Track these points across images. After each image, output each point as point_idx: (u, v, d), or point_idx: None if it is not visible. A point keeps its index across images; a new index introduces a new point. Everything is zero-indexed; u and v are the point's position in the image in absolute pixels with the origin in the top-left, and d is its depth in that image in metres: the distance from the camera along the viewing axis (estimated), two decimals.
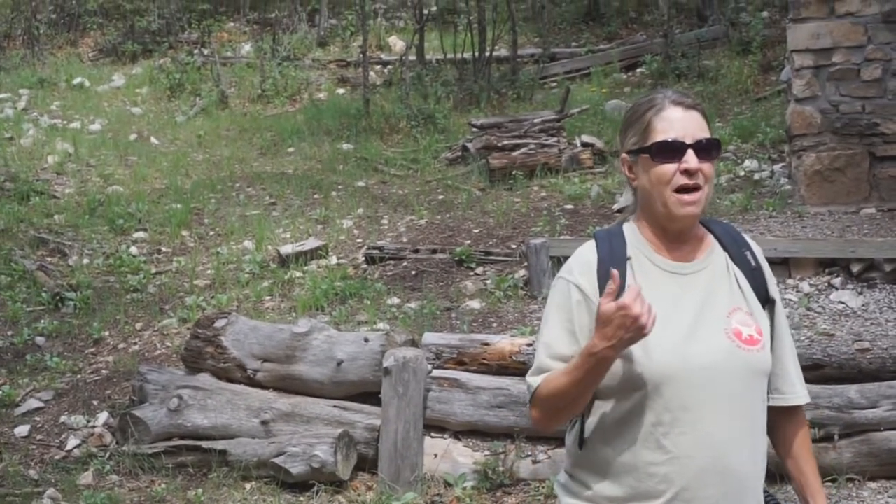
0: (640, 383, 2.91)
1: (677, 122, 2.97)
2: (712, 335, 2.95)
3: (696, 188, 2.95)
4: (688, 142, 2.95)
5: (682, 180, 2.94)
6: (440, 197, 12.40)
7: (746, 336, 2.98)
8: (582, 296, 3.00)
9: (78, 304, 9.76)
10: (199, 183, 13.43)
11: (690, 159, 2.94)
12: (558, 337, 3.01)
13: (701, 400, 2.90)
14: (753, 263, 3.12)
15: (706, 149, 2.97)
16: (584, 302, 2.99)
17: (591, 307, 2.96)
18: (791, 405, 3.17)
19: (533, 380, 3.02)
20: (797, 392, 3.17)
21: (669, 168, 2.94)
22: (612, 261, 2.99)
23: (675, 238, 3.05)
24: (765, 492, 3.15)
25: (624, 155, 3.08)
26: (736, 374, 2.94)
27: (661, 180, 2.95)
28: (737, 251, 3.12)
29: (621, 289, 2.90)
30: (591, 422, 3.02)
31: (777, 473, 3.36)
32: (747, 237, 3.21)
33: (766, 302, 3.11)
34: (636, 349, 2.89)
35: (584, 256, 3.06)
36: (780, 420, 3.18)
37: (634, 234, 3.08)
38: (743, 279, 3.08)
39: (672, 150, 2.95)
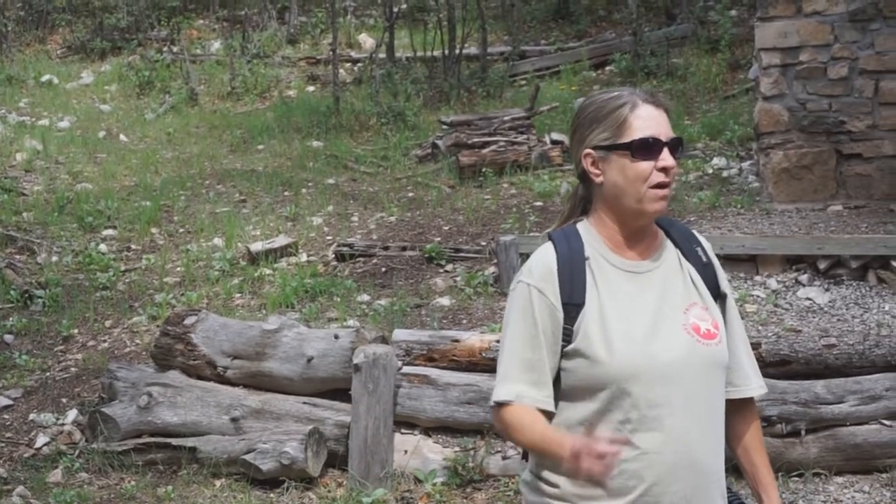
0: (605, 383, 2.93)
1: (652, 120, 3.00)
2: (672, 331, 2.97)
3: (668, 185, 2.99)
4: (664, 140, 2.99)
5: (660, 178, 2.97)
6: (410, 194, 12.42)
7: (704, 330, 3.01)
8: (543, 299, 3.00)
9: (47, 302, 9.73)
10: (168, 180, 13.40)
11: (667, 158, 2.98)
12: (521, 342, 3.02)
13: (667, 396, 2.92)
14: (704, 259, 3.15)
15: (675, 146, 3.00)
16: (545, 305, 3.00)
17: (553, 310, 2.99)
18: (744, 397, 3.20)
19: (500, 393, 3.02)
20: (751, 384, 3.20)
21: (648, 165, 2.97)
22: (571, 261, 3.02)
23: (634, 235, 3.07)
24: (729, 490, 3.18)
25: (589, 150, 3.06)
26: (698, 369, 2.97)
27: (639, 177, 2.97)
28: (688, 247, 3.15)
29: (582, 287, 2.96)
30: (558, 422, 3.02)
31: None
32: (696, 233, 3.24)
33: (718, 296, 3.14)
34: (599, 348, 2.92)
35: (544, 258, 3.07)
36: (732, 412, 3.19)
37: (590, 234, 3.09)
38: (696, 275, 3.11)
39: (651, 148, 2.97)
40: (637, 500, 2.93)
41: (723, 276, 3.20)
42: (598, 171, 3.06)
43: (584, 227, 3.11)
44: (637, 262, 3.07)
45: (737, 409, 3.20)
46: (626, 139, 2.98)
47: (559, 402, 3.02)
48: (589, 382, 2.96)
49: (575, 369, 2.98)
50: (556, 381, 3.02)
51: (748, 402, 3.22)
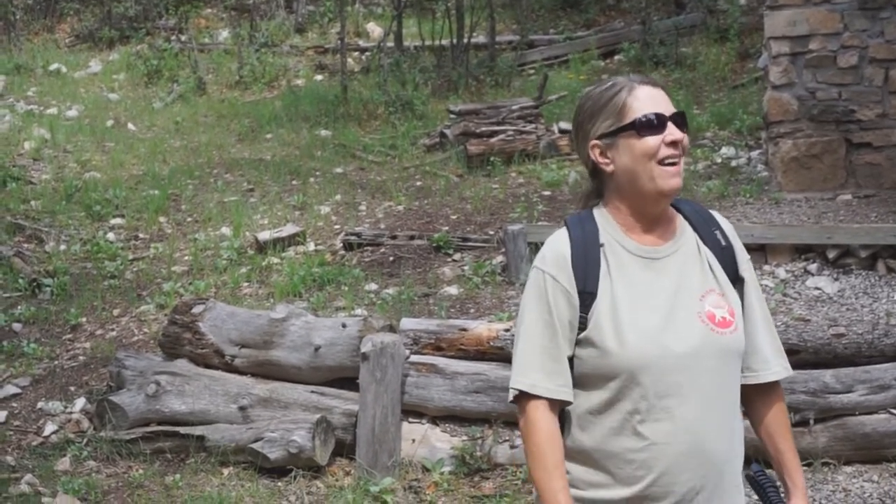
0: (615, 373, 2.92)
1: (651, 99, 2.99)
2: (686, 320, 2.95)
3: (678, 160, 2.98)
4: (667, 114, 2.97)
5: (668, 151, 2.96)
6: (418, 183, 12.40)
7: (720, 319, 2.98)
8: (557, 285, 2.99)
9: (55, 291, 9.73)
10: (176, 169, 13.39)
11: (674, 131, 2.97)
12: (537, 329, 3.01)
13: (677, 386, 2.91)
14: (724, 242, 3.12)
15: (680, 121, 2.99)
16: (559, 291, 2.99)
17: (569, 296, 2.98)
18: (764, 382, 3.15)
19: (516, 382, 3.02)
20: (771, 368, 3.15)
21: (655, 140, 2.95)
22: (586, 247, 3.00)
23: (651, 221, 3.05)
24: (756, 464, 3.17)
25: (595, 141, 3.04)
26: (711, 359, 2.94)
27: (647, 154, 2.95)
28: (706, 231, 3.12)
29: (596, 276, 2.95)
30: (569, 409, 3.02)
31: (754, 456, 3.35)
32: (717, 215, 3.21)
33: (737, 280, 3.11)
34: (610, 339, 2.91)
35: (558, 245, 3.06)
36: (754, 397, 3.18)
37: (606, 220, 3.07)
38: (713, 259, 3.08)
39: (655, 124, 2.96)
40: (646, 489, 2.92)
41: (744, 258, 3.16)
42: (607, 160, 3.04)
43: (600, 213, 3.09)
44: (653, 247, 3.04)
45: (758, 394, 3.18)
46: (629, 120, 2.98)
47: (572, 389, 3.01)
48: (599, 372, 2.95)
49: (586, 358, 2.97)
50: (570, 368, 3.01)
51: (771, 386, 3.18)
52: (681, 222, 3.12)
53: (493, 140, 12.89)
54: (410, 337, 7.06)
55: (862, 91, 9.99)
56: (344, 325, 7.10)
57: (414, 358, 6.95)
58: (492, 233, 10.09)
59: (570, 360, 3.01)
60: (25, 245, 10.85)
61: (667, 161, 2.96)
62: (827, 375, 6.39)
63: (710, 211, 3.22)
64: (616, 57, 18.01)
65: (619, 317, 2.93)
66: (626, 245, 3.03)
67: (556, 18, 20.95)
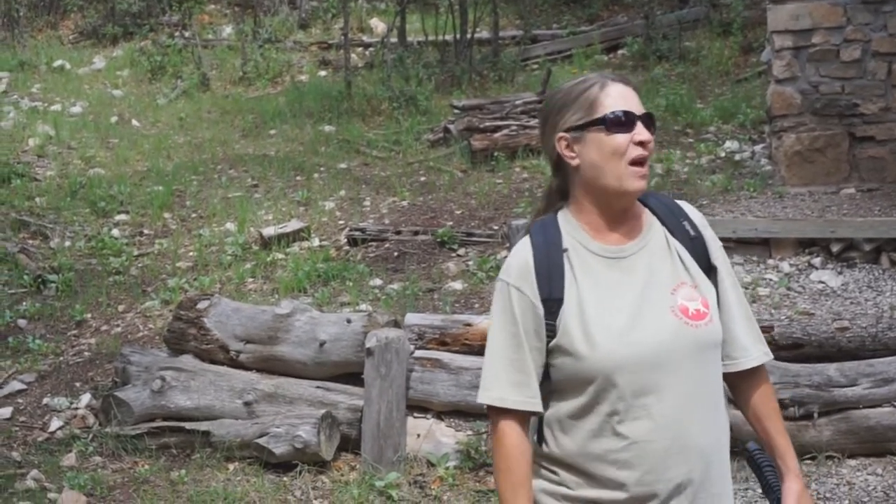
0: (590, 377, 2.90)
1: (622, 96, 2.97)
2: (658, 316, 2.92)
3: (645, 160, 2.96)
4: (638, 113, 2.96)
5: (637, 151, 2.93)
6: (422, 178, 12.40)
7: (693, 311, 2.95)
8: (522, 296, 2.98)
9: (60, 287, 9.75)
10: (180, 165, 13.41)
11: (642, 131, 2.94)
12: (504, 342, 3.00)
13: (654, 383, 2.89)
14: (693, 233, 3.09)
15: (649, 122, 2.98)
16: (524, 302, 2.98)
17: (534, 307, 2.96)
18: (745, 369, 3.13)
19: (484, 396, 3.03)
20: (751, 354, 3.12)
21: (624, 138, 2.93)
22: (549, 255, 2.98)
23: (616, 218, 3.02)
24: (753, 445, 3.17)
25: (562, 134, 3.01)
26: (686, 352, 2.92)
27: (615, 151, 2.93)
28: (674, 223, 3.09)
29: (561, 282, 2.93)
30: (549, 415, 3.01)
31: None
32: (685, 205, 3.18)
33: (710, 270, 3.08)
34: (580, 344, 2.90)
35: (521, 254, 3.04)
36: (739, 385, 3.17)
37: (569, 223, 3.04)
38: (684, 251, 3.05)
39: (625, 121, 2.94)
40: (632, 489, 2.91)
41: (715, 246, 3.13)
42: (573, 154, 3.01)
43: (564, 216, 3.06)
44: (620, 246, 3.01)
45: (742, 380, 3.16)
46: (599, 115, 2.95)
47: (551, 396, 3.01)
48: (575, 378, 2.93)
49: (560, 365, 2.95)
50: (546, 376, 3.00)
51: (753, 371, 3.15)
52: (647, 218, 3.08)
53: (496, 135, 12.88)
54: (415, 332, 7.07)
55: (865, 85, 9.99)
56: (349, 321, 7.12)
57: (418, 353, 6.96)
58: (496, 228, 10.09)
59: (546, 369, 2.99)
60: (30, 241, 10.87)
61: (634, 161, 2.94)
62: (831, 369, 6.40)
63: (678, 201, 3.19)
64: (619, 51, 18.00)
65: (587, 320, 2.90)
66: (591, 247, 3.00)
67: (560, 13, 20.94)
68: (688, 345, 2.93)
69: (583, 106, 2.98)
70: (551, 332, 2.95)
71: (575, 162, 3.00)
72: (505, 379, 2.98)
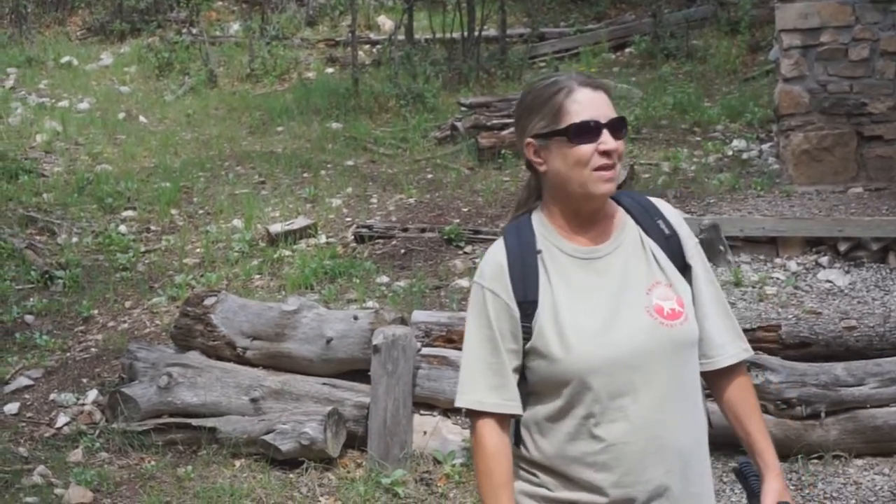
0: (566, 379, 2.89)
1: (589, 103, 2.94)
2: (632, 317, 2.91)
3: (613, 166, 2.93)
4: (602, 122, 2.92)
5: (601, 160, 2.91)
6: (429, 176, 12.40)
7: (668, 311, 2.94)
8: (496, 299, 2.98)
9: (67, 283, 9.76)
10: (188, 162, 13.41)
11: (608, 140, 2.91)
12: (480, 345, 3.00)
13: (629, 384, 2.88)
14: (667, 231, 3.07)
15: (618, 127, 2.94)
16: (499, 305, 2.98)
17: (508, 309, 2.96)
18: (721, 367, 3.11)
19: (461, 400, 3.03)
20: (727, 352, 3.10)
21: (588, 149, 2.90)
22: (522, 257, 2.98)
23: (587, 220, 3.01)
24: (742, 459, 3.16)
25: (530, 139, 3.00)
26: (661, 353, 2.91)
27: (579, 162, 2.91)
28: (649, 222, 3.07)
29: (535, 284, 2.93)
30: (527, 417, 3.01)
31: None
32: (660, 203, 3.16)
33: (685, 268, 3.07)
34: (554, 346, 2.89)
35: (495, 257, 3.04)
36: (717, 383, 3.15)
37: (543, 224, 3.04)
38: (658, 250, 3.03)
39: (589, 131, 2.91)
40: (608, 491, 2.90)
41: (690, 244, 3.11)
42: (540, 160, 3.00)
43: (538, 218, 3.06)
44: (593, 247, 3.00)
45: (719, 379, 3.14)
46: (563, 125, 2.93)
47: (528, 398, 3.00)
48: (551, 380, 2.92)
49: (536, 368, 2.95)
50: (523, 378, 3.00)
51: (732, 369, 3.12)
52: (621, 218, 3.07)
53: (503, 133, 12.87)
54: (422, 329, 7.08)
55: (873, 84, 9.99)
56: (355, 318, 7.12)
57: (425, 350, 6.96)
58: (503, 225, 10.06)
59: (522, 371, 2.99)
60: (37, 237, 10.88)
61: (598, 168, 2.92)
62: (838, 368, 6.39)
63: (653, 199, 3.17)
64: (627, 50, 17.98)
65: (561, 322, 2.90)
66: (565, 248, 3.00)
67: (567, 11, 20.92)
68: (663, 345, 2.91)
69: (548, 113, 2.96)
70: (527, 334, 2.94)
71: (542, 168, 3.01)
72: (482, 382, 2.99)
